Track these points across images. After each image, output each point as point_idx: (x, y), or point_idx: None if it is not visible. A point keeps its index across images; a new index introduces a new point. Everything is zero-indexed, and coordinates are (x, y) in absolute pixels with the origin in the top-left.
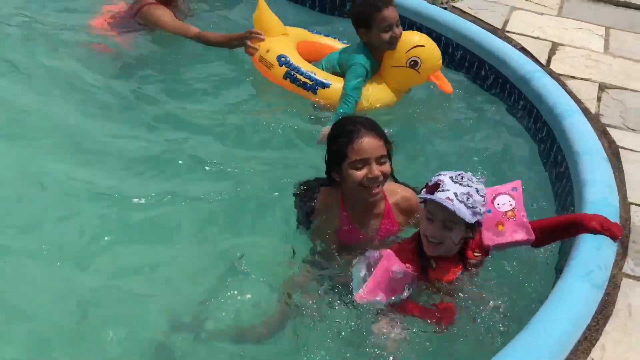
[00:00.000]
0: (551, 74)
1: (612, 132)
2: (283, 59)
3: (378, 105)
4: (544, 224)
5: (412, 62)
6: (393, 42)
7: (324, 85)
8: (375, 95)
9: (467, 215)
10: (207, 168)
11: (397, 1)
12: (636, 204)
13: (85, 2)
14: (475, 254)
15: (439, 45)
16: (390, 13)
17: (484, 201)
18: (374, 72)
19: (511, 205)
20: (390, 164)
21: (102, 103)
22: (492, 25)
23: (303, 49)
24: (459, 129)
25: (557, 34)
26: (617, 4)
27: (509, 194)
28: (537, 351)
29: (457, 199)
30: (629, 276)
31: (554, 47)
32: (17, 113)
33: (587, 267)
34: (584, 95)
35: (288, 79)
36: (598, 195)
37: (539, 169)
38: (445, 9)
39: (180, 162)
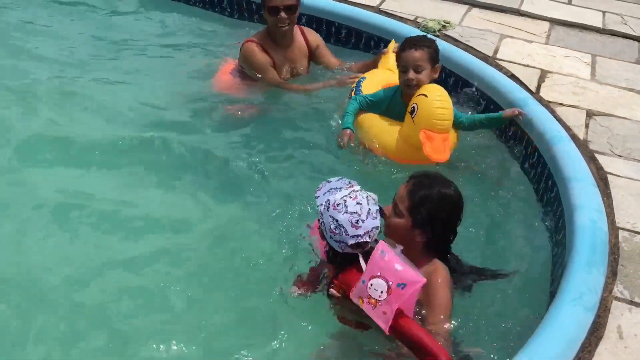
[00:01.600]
0: (541, 101)
1: (600, 158)
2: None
3: (380, 149)
4: (404, 331)
5: (412, 109)
6: (407, 85)
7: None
8: (378, 135)
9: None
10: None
11: (392, 29)
12: (624, 229)
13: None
14: (340, 290)
15: None
16: (407, 55)
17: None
18: (398, 112)
19: (380, 297)
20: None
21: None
22: (483, 53)
23: None
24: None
25: (545, 61)
26: (602, 32)
27: (388, 285)
28: None
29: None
30: (618, 299)
31: (543, 75)
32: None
33: (578, 290)
34: (572, 122)
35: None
36: (587, 220)
37: (530, 194)
38: (437, 37)
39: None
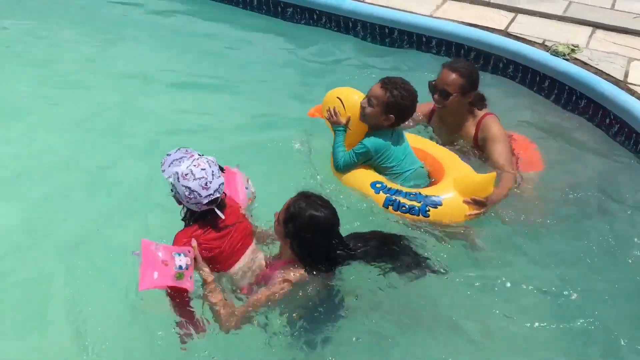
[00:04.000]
0: None
1: None
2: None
3: None
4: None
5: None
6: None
7: (435, 204)
8: None
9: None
10: None
11: (523, 53)
12: None
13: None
14: None
15: (562, 95)
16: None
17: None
18: None
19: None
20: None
21: None
22: (614, 77)
23: None
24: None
25: None
26: None
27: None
28: None
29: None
30: None
31: None
32: None
33: None
34: None
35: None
36: None
37: None
38: (567, 60)
39: None
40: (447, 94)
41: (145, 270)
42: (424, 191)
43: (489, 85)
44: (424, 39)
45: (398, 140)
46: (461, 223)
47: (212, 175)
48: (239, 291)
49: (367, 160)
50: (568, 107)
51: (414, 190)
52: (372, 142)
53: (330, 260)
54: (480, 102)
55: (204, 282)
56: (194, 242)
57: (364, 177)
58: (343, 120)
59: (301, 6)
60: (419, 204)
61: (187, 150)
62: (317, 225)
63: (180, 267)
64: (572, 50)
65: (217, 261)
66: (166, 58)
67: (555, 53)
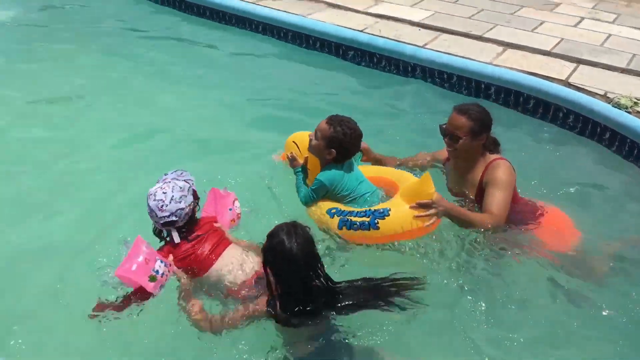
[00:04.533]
0: None
1: None
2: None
3: None
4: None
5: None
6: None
7: (383, 215)
8: None
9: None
10: None
11: (584, 104)
12: None
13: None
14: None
15: (623, 147)
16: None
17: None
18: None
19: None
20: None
21: None
22: None
23: None
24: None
25: None
26: None
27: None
28: None
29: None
30: None
31: None
32: None
33: None
34: None
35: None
36: None
37: None
38: (630, 113)
39: None
40: (457, 137)
41: (127, 261)
42: (374, 207)
43: (547, 134)
44: (482, 86)
45: (350, 169)
46: (419, 232)
47: (171, 200)
48: (229, 294)
49: (325, 193)
50: (630, 159)
51: (364, 209)
52: (325, 176)
53: (303, 305)
54: (493, 146)
55: (181, 287)
56: (171, 257)
57: (320, 206)
58: (301, 161)
59: (362, 49)
60: (368, 219)
61: (181, 173)
62: (281, 251)
63: (157, 271)
64: (635, 103)
65: (196, 262)
66: (220, 93)
67: (618, 105)
